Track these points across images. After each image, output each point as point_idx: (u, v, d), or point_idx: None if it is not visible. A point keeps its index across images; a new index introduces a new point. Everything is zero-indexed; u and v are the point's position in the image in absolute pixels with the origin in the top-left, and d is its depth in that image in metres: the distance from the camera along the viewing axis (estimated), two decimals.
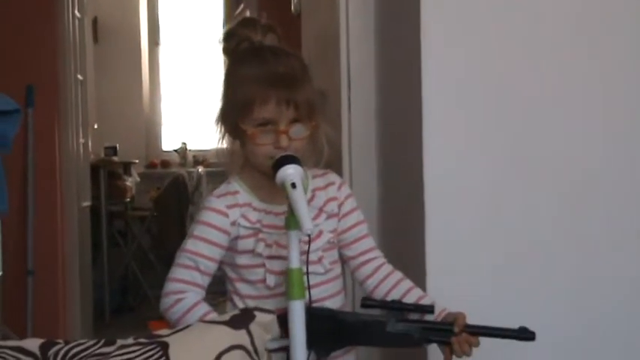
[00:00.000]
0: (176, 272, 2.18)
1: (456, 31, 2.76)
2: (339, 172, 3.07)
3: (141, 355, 1.68)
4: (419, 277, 2.61)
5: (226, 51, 2.26)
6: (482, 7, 2.77)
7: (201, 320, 2.01)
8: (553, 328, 2.64)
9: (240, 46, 2.22)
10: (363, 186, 3.23)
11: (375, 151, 3.28)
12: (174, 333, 1.76)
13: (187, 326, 1.82)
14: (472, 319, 2.12)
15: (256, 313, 1.82)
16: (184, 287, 2.16)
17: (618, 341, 2.81)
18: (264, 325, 1.82)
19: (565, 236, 2.79)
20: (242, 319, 1.81)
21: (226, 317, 1.82)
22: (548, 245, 2.78)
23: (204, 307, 2.13)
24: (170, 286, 2.17)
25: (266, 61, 2.14)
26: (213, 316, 2.07)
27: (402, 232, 2.98)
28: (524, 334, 2.09)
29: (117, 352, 1.69)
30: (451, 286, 2.63)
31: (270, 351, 1.89)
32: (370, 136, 3.28)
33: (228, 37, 2.25)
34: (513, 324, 2.11)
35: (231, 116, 2.17)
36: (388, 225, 3.16)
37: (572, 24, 2.79)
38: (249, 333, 1.78)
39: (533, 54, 2.77)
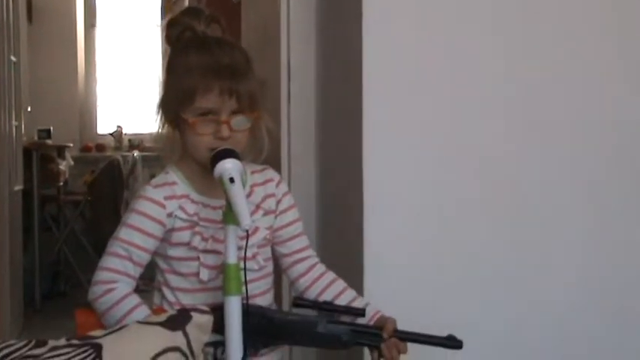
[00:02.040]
0: (108, 261, 2.12)
1: (399, 26, 2.74)
2: (277, 166, 3.03)
3: (73, 357, 1.64)
4: (356, 275, 2.60)
5: (169, 39, 2.23)
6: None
7: (138, 321, 1.95)
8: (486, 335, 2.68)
9: (183, 35, 2.19)
10: (301, 180, 3.21)
11: (315, 144, 3.25)
12: (107, 334, 1.72)
13: (121, 327, 1.78)
14: (405, 320, 2.11)
15: (193, 313, 1.78)
16: (115, 277, 2.10)
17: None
18: (200, 326, 1.79)
19: (505, 251, 2.79)
20: (178, 320, 1.78)
21: (162, 318, 1.79)
22: (488, 247, 2.79)
23: (134, 300, 2.08)
24: (101, 275, 2.11)
25: (210, 51, 2.12)
26: (144, 309, 2.04)
27: (341, 228, 2.96)
28: (451, 342, 2.09)
29: (48, 355, 1.65)
30: (387, 286, 2.62)
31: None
32: (310, 129, 3.25)
33: (171, 26, 2.23)
34: (446, 329, 2.11)
35: (173, 105, 2.14)
36: (326, 221, 3.14)
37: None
38: (186, 335, 1.76)
39: (481, 61, 2.78)
